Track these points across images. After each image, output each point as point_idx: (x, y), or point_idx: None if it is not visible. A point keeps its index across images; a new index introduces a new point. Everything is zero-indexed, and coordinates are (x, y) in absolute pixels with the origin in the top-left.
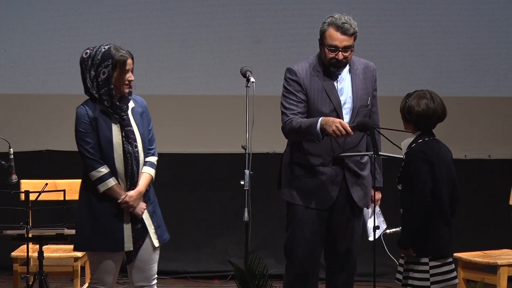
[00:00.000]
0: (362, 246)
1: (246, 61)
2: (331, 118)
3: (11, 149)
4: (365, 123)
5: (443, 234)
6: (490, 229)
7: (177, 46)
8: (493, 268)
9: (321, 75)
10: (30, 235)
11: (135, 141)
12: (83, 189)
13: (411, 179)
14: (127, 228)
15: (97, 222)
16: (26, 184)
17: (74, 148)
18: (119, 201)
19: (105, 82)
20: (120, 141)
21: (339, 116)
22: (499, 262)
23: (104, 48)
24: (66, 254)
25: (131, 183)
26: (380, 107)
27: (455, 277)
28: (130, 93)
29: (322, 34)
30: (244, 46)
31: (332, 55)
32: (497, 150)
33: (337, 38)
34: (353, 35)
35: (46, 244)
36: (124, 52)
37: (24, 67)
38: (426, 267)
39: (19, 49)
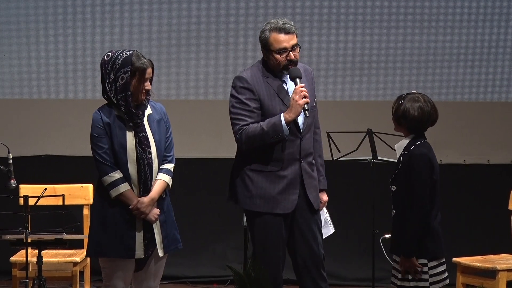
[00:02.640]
0: (361, 251)
1: (244, 66)
2: (291, 104)
3: (10, 154)
4: (293, 70)
5: (438, 234)
6: (489, 234)
7: (175, 51)
8: (492, 273)
9: (270, 80)
10: (29, 240)
11: (149, 147)
12: (96, 194)
13: (411, 181)
14: (139, 236)
15: (109, 228)
16: (25, 189)
17: (73, 153)
18: (130, 207)
19: (123, 87)
20: (134, 146)
21: (294, 119)
22: (498, 267)
23: (126, 54)
24: (65, 259)
25: (144, 189)
26: (379, 112)
27: (447, 277)
28: (147, 101)
29: (266, 42)
30: (242, 51)
31: (283, 58)
32: (496, 155)
33: (284, 39)
34: (295, 32)
35: (45, 249)
36: (145, 60)
37: (23, 72)
38: (425, 268)
39: (18, 54)
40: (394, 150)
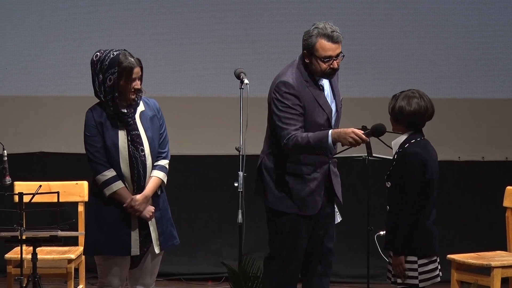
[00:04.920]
0: (355, 248)
1: (240, 63)
2: (342, 130)
3: (5, 151)
4: (380, 128)
5: (430, 233)
6: (484, 231)
7: (171, 48)
8: (486, 270)
9: (310, 85)
10: (23, 237)
11: (141, 145)
12: (91, 193)
13: (403, 179)
14: (135, 233)
15: (105, 227)
16: (20, 186)
17: (68, 150)
18: (124, 205)
19: (110, 88)
20: (126, 145)
21: (331, 123)
22: (493, 263)
23: (113, 54)
24: (60, 256)
25: (138, 186)
26: (375, 109)
27: (438, 275)
28: (139, 98)
29: (312, 46)
30: (238, 48)
31: (326, 65)
32: (491, 152)
33: (330, 48)
34: (341, 40)
35: (40, 246)
36: (132, 60)
37: (18, 69)
38: (415, 266)
39: (13, 50)
40: (389, 146)
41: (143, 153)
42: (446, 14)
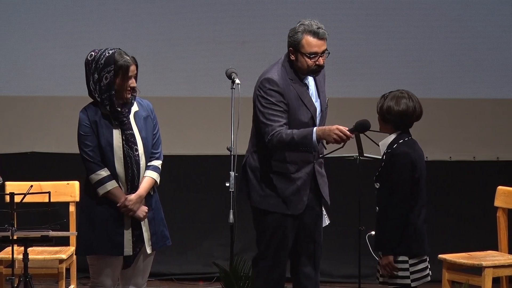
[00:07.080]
0: (347, 248)
1: (231, 63)
2: (327, 127)
3: None
4: (365, 124)
5: (421, 232)
6: (475, 231)
7: (162, 48)
8: (478, 270)
9: (294, 83)
10: (15, 237)
11: (136, 144)
12: (84, 192)
13: (392, 179)
14: (127, 233)
15: (98, 226)
16: (11, 186)
17: (59, 150)
18: (118, 204)
19: (107, 87)
20: (121, 144)
21: (315, 122)
22: (484, 263)
23: (108, 53)
24: (51, 256)
25: (132, 186)
26: (365, 109)
27: (428, 274)
28: (133, 98)
29: (298, 43)
30: (229, 48)
31: (312, 62)
32: (482, 152)
33: (316, 44)
34: (326, 38)
35: (31, 246)
36: (128, 58)
37: (9, 69)
38: (406, 265)
39: (3, 50)
40: (378, 145)
41: (137, 153)
42: (435, 15)
